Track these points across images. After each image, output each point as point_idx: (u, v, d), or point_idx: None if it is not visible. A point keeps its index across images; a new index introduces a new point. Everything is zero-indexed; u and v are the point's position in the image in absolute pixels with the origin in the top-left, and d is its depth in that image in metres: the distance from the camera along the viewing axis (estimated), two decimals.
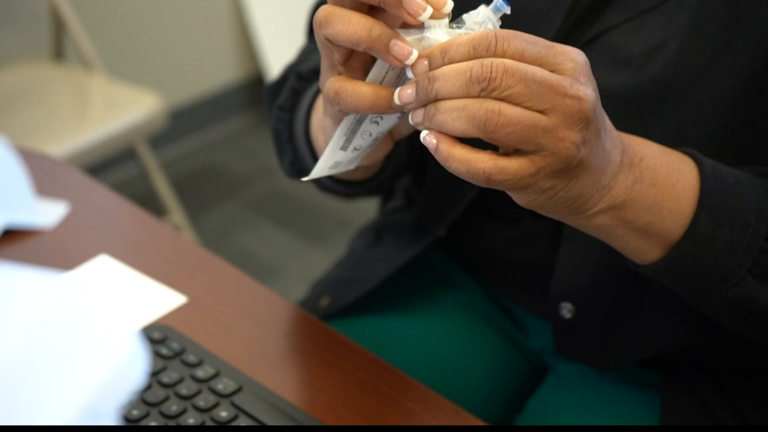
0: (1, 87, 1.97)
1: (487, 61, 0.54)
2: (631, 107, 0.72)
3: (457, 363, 0.90)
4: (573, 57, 0.56)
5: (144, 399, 0.72)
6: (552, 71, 0.55)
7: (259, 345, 0.79)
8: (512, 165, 0.55)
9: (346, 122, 0.63)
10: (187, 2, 2.60)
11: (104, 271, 0.88)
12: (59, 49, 2.15)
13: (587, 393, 0.85)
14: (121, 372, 0.26)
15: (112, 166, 2.46)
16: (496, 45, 0.55)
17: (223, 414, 0.71)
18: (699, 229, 0.64)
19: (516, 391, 0.92)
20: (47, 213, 0.29)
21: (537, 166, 0.56)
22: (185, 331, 0.80)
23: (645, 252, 0.66)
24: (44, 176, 1.06)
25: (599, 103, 0.57)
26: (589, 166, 0.58)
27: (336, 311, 0.91)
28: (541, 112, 0.54)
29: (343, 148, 0.65)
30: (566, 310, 0.80)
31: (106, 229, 0.95)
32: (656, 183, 0.63)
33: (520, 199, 0.59)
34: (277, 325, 0.82)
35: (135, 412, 0.71)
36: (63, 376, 0.27)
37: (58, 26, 2.12)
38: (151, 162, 2.09)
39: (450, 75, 0.55)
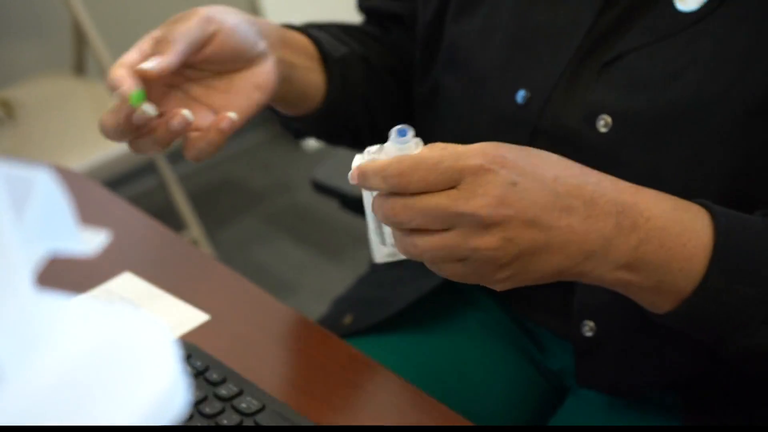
0: (24, 99, 1.99)
1: (388, 204, 0.61)
2: (649, 131, 0.72)
3: (478, 382, 0.90)
4: (473, 170, 0.60)
5: None
6: (453, 187, 0.60)
7: (281, 364, 0.79)
8: (453, 272, 0.62)
9: (370, 226, 0.69)
10: None
11: (129, 289, 0.89)
12: (81, 63, 2.17)
13: (607, 416, 0.85)
14: (164, 402, 0.27)
15: (130, 179, 2.48)
16: (399, 182, 0.60)
17: None
18: (710, 286, 0.64)
19: (536, 412, 0.92)
20: (89, 240, 0.30)
21: (472, 269, 0.61)
22: (208, 349, 0.81)
23: (657, 305, 0.67)
24: (65, 190, 1.07)
25: (524, 196, 0.60)
26: (543, 249, 0.61)
27: (358, 330, 0.91)
28: (447, 230, 0.60)
29: (383, 243, 0.69)
30: (588, 328, 0.80)
31: (128, 245, 0.96)
32: (665, 244, 0.64)
33: (496, 288, 0.64)
34: (300, 344, 0.83)
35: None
36: (107, 406, 0.27)
37: (80, 41, 2.13)
38: (169, 175, 2.11)
39: (374, 208, 0.63)
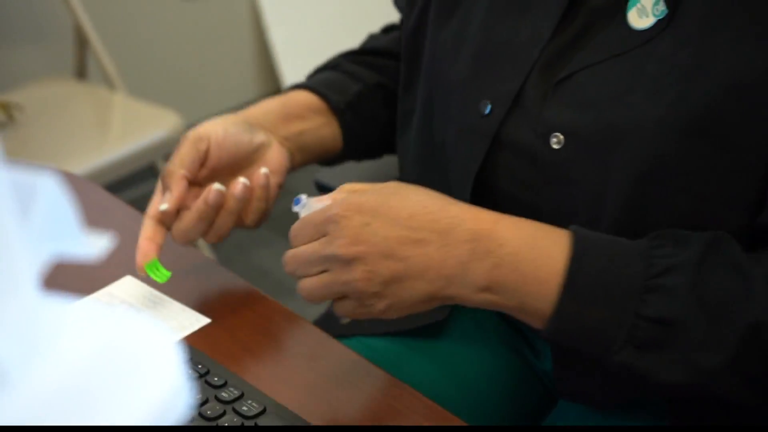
0: (26, 103, 1.99)
1: (284, 259, 0.74)
2: (596, 151, 0.73)
3: (473, 384, 0.91)
4: (334, 219, 0.71)
5: None
6: (325, 235, 0.72)
7: (282, 367, 0.80)
8: (345, 307, 0.73)
9: None
10: (207, 23, 2.63)
11: (131, 293, 0.89)
12: (82, 67, 2.17)
13: (595, 418, 0.86)
14: (166, 405, 0.27)
15: (131, 182, 2.49)
16: (293, 241, 0.74)
17: None
18: (564, 309, 0.69)
19: (530, 413, 0.93)
20: (93, 244, 0.31)
21: (356, 303, 0.72)
22: (209, 353, 0.81)
23: (532, 323, 0.72)
24: (68, 194, 1.08)
25: (377, 233, 0.70)
26: (404, 276, 0.70)
27: (355, 332, 0.92)
28: (324, 272, 0.72)
29: None
30: None
31: (130, 249, 0.96)
32: (518, 268, 0.69)
33: (385, 317, 0.73)
34: (300, 347, 0.83)
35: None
36: (109, 409, 0.28)
37: (82, 45, 2.14)
38: None
39: None
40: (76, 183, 1.11)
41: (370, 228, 0.70)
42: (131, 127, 1.99)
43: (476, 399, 0.91)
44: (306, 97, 0.95)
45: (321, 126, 0.95)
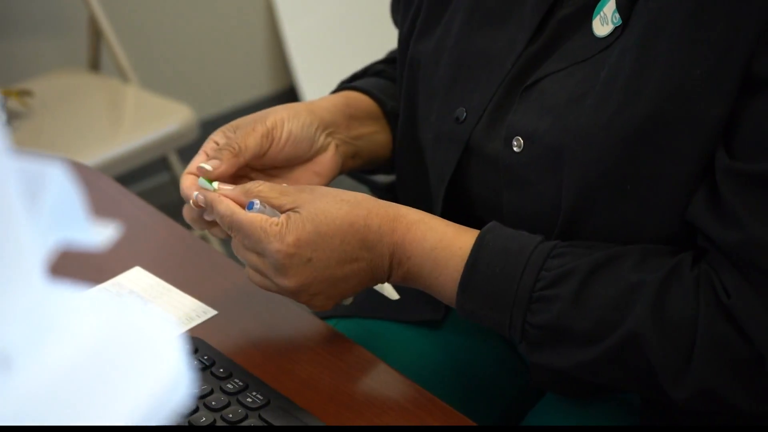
0: (40, 94, 2.01)
1: (235, 245, 0.80)
2: (550, 153, 0.75)
3: (466, 366, 0.94)
4: (278, 258, 0.76)
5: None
6: (264, 255, 0.77)
7: (287, 360, 0.81)
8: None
9: None
10: (220, 17, 2.63)
11: (139, 284, 0.90)
12: (96, 59, 2.18)
13: (565, 417, 0.88)
14: (167, 394, 0.28)
15: (142, 174, 2.50)
16: (230, 230, 0.79)
17: None
18: (462, 306, 0.76)
19: (519, 401, 0.96)
20: (100, 234, 0.31)
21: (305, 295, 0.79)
22: (215, 344, 0.82)
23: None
24: (78, 184, 1.08)
25: (318, 267, 0.77)
26: (343, 285, 0.78)
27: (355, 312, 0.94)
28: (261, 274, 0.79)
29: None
30: None
31: (139, 240, 0.97)
32: (422, 276, 0.78)
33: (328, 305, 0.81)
34: (306, 341, 0.84)
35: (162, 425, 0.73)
36: (111, 397, 0.28)
37: (96, 37, 2.15)
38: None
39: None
40: (86, 174, 1.12)
41: (311, 263, 0.77)
42: (143, 120, 2.00)
43: (470, 383, 0.94)
44: (363, 100, 0.94)
45: (376, 132, 0.94)
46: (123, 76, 2.12)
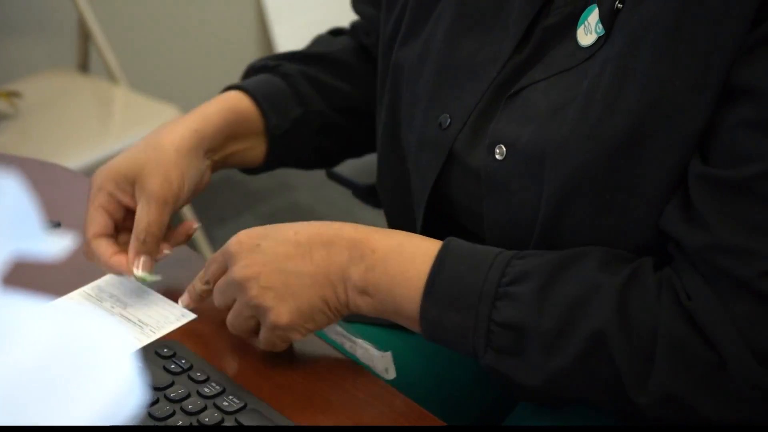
0: (28, 95, 2.01)
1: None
2: (531, 162, 0.76)
3: (443, 378, 0.94)
4: (229, 253, 0.79)
5: (151, 413, 0.74)
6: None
7: (264, 364, 0.81)
8: (264, 339, 0.79)
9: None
10: (209, 18, 2.64)
11: (118, 287, 0.90)
12: (85, 60, 2.19)
13: (539, 416, 0.88)
14: (117, 403, 0.28)
15: None
16: (208, 279, 0.83)
17: None
18: (427, 313, 0.74)
19: (495, 408, 0.96)
20: (54, 244, 0.31)
21: (266, 330, 0.78)
22: (194, 348, 0.82)
23: (414, 329, 0.77)
24: (60, 188, 1.08)
25: (267, 252, 0.77)
26: (297, 284, 0.76)
27: None
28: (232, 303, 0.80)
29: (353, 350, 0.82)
30: None
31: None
32: (387, 271, 0.75)
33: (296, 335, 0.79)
34: None
35: (140, 425, 0.73)
36: (61, 405, 0.28)
37: (85, 38, 2.15)
38: None
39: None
40: (69, 177, 1.12)
41: (260, 248, 0.77)
42: (132, 121, 2.01)
43: (446, 389, 0.95)
44: (250, 114, 0.95)
45: (250, 148, 0.96)
46: (112, 78, 2.12)
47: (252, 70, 1.01)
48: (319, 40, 1.07)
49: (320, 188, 2.47)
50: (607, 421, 0.84)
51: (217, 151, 0.93)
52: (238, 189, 2.61)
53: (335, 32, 1.08)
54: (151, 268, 0.86)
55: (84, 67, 2.19)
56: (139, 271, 0.86)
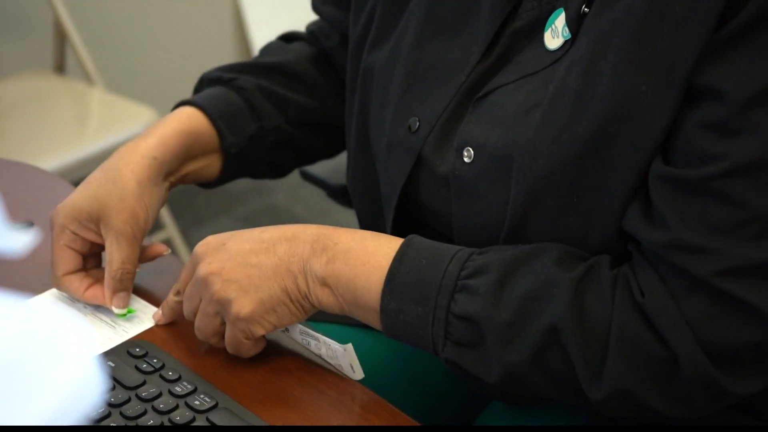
0: (4, 96, 2.00)
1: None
2: (498, 165, 0.76)
3: (416, 377, 0.95)
4: (197, 255, 0.80)
5: (123, 413, 0.75)
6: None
7: (236, 363, 0.81)
8: (229, 339, 0.80)
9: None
10: (187, 20, 2.63)
11: None
12: (61, 62, 2.18)
13: (510, 418, 0.90)
14: (75, 400, 0.28)
15: None
16: (180, 288, 0.84)
17: None
18: (386, 305, 0.75)
19: (468, 408, 0.97)
20: (17, 240, 0.32)
21: (231, 327, 0.79)
22: (166, 348, 0.82)
23: (372, 323, 0.78)
24: (34, 189, 1.09)
25: (231, 249, 0.78)
26: (259, 276, 0.77)
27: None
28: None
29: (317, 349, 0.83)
30: None
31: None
32: (348, 262, 0.77)
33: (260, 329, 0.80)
34: None
35: (113, 425, 0.74)
36: (19, 399, 0.29)
37: (61, 40, 2.15)
38: None
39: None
40: (43, 179, 1.12)
41: (225, 247, 0.79)
42: (108, 123, 2.00)
43: (419, 388, 0.95)
44: (206, 132, 0.95)
45: (207, 166, 0.96)
46: (88, 79, 2.12)
47: (206, 81, 1.00)
48: (271, 48, 1.05)
49: (298, 189, 2.47)
50: (578, 419, 0.84)
51: (174, 173, 0.93)
52: (216, 190, 2.59)
53: (288, 38, 1.07)
54: (128, 303, 0.87)
55: (60, 68, 2.18)
56: (117, 309, 0.87)
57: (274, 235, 0.79)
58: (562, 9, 0.76)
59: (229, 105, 0.96)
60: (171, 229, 2.14)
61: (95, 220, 0.87)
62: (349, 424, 0.77)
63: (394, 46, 0.87)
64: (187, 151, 0.93)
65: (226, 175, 0.99)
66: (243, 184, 2.60)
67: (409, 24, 0.86)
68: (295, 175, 1.30)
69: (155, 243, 0.92)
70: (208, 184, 1.01)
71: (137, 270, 0.88)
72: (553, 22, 0.77)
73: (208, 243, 0.80)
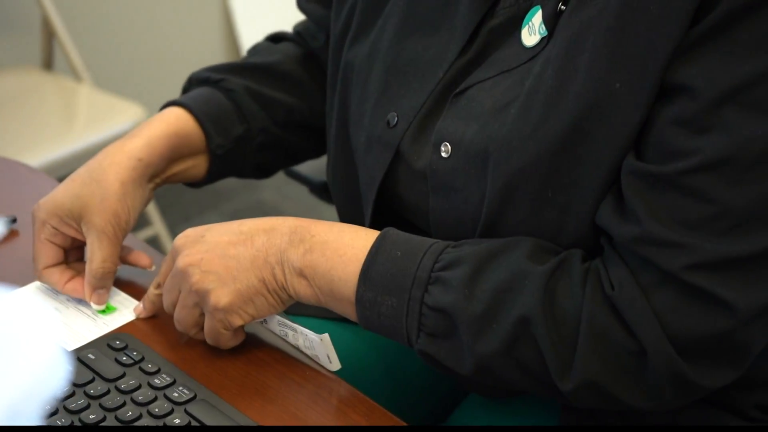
0: None
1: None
2: (475, 160, 0.77)
3: (394, 370, 0.96)
4: (175, 248, 0.81)
5: (102, 404, 0.75)
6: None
7: (215, 356, 0.82)
8: (208, 330, 0.81)
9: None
10: (175, 17, 2.64)
11: None
12: (49, 58, 2.18)
13: (488, 416, 0.91)
14: (42, 379, 0.29)
15: None
16: (161, 280, 0.85)
17: (177, 421, 0.74)
18: (362, 296, 0.76)
19: (446, 401, 0.98)
20: None
21: (209, 319, 0.80)
22: (146, 341, 0.83)
23: (347, 314, 0.79)
24: (19, 185, 1.09)
25: (209, 241, 0.79)
26: (237, 267, 0.78)
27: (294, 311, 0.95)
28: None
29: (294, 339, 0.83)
30: None
31: None
32: (325, 253, 0.78)
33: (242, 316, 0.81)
34: None
35: (92, 416, 0.74)
36: None
37: (49, 36, 2.15)
38: None
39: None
40: (28, 174, 1.13)
41: (203, 239, 0.80)
42: (95, 119, 2.01)
43: (397, 381, 0.96)
44: (193, 133, 0.95)
45: (193, 166, 0.97)
46: (76, 75, 2.12)
47: (194, 81, 1.01)
48: (259, 49, 1.06)
49: (285, 186, 2.48)
50: (553, 412, 0.85)
51: (160, 174, 0.94)
52: (203, 188, 2.60)
53: (275, 38, 1.08)
54: (107, 300, 0.88)
55: (48, 64, 2.19)
56: (97, 306, 0.88)
57: (252, 227, 0.80)
58: (539, 6, 0.77)
59: (216, 107, 0.97)
60: (158, 226, 2.15)
61: (76, 217, 0.87)
62: (327, 417, 0.78)
63: (374, 41, 0.88)
64: (174, 152, 0.94)
65: (213, 176, 1.00)
66: (230, 181, 2.60)
67: (389, 20, 0.87)
68: (281, 172, 1.31)
69: (141, 253, 0.93)
70: (194, 184, 1.01)
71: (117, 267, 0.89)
72: (530, 20, 0.78)
73: (187, 235, 0.81)
